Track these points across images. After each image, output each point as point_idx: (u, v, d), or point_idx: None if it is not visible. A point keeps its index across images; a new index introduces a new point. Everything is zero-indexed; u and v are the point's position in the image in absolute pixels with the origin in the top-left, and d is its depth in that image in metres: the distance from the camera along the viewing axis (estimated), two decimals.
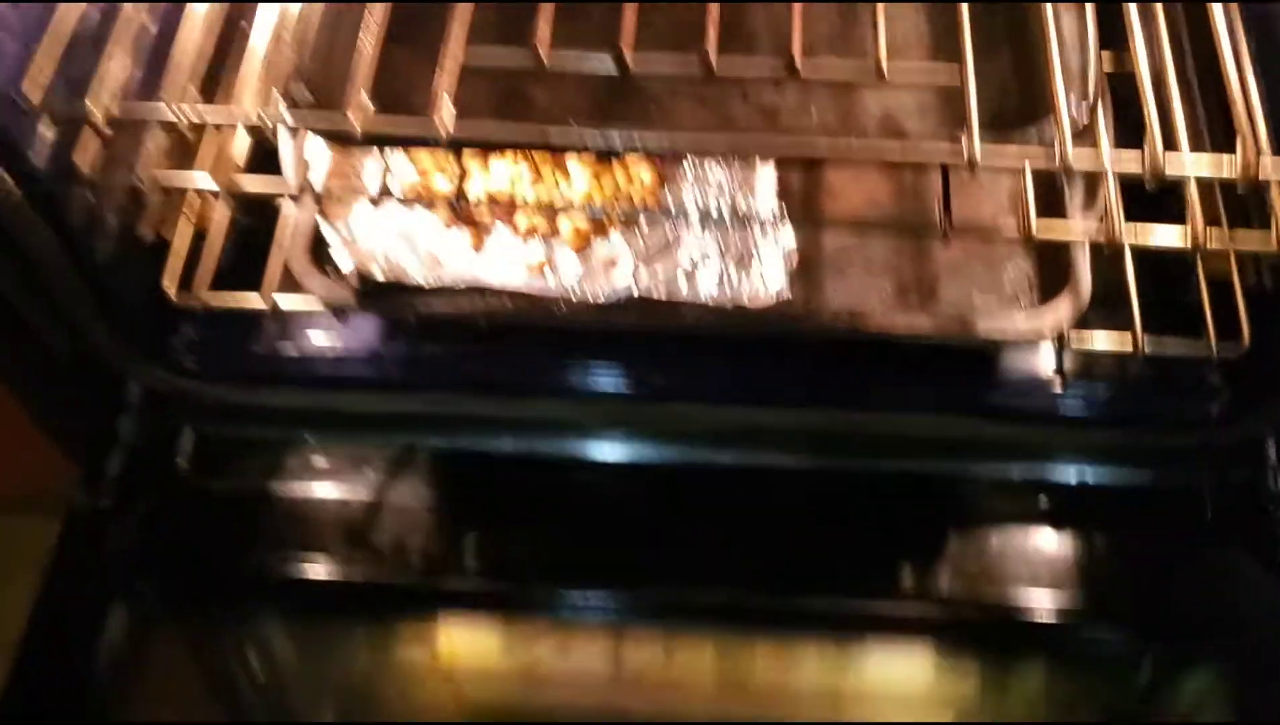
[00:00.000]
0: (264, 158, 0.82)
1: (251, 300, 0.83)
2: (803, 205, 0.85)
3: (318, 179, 0.81)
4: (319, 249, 0.83)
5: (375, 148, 0.81)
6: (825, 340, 0.81)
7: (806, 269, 0.83)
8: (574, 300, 0.80)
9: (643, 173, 0.87)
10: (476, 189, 0.85)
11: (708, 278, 0.82)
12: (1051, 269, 0.82)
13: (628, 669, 0.82)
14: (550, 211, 0.85)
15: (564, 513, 0.89)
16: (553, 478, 0.90)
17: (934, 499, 0.91)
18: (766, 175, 0.86)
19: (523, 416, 0.89)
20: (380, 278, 0.81)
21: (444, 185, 0.86)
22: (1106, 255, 0.77)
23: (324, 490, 0.90)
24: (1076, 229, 0.76)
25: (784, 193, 0.85)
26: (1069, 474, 0.90)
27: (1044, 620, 0.87)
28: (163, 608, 0.85)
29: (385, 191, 0.78)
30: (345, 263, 0.81)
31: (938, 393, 0.85)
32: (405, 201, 0.86)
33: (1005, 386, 0.86)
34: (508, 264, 0.83)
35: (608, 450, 0.90)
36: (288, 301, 0.83)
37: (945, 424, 0.86)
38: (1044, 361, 0.86)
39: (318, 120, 0.70)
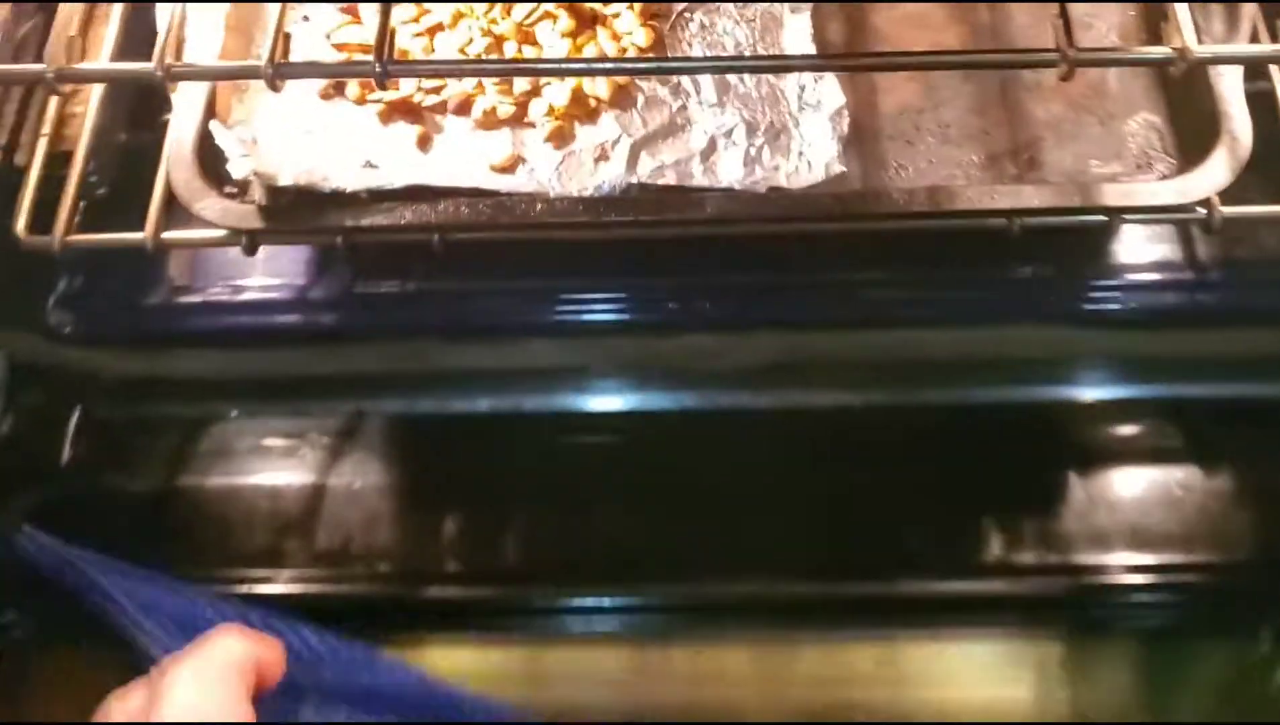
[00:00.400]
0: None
1: (128, 239, 0.63)
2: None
3: (203, 55, 0.61)
4: (214, 162, 0.63)
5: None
6: (892, 233, 0.61)
7: (862, 140, 0.62)
8: (554, 197, 0.60)
9: (635, 33, 0.66)
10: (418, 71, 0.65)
11: (731, 159, 0.61)
12: (1190, 123, 0.61)
13: (651, 689, 0.62)
14: (518, 92, 0.64)
15: (561, 488, 0.69)
16: (544, 442, 0.70)
17: (1030, 438, 0.71)
18: (798, 26, 0.65)
19: (501, 365, 0.69)
20: (289, 183, 0.60)
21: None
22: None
23: (253, 478, 0.70)
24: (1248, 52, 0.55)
25: (822, 46, 0.64)
26: (1211, 392, 0.69)
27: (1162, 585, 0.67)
28: (43, 640, 0.65)
29: (286, 69, 0.57)
30: (240, 169, 0.60)
31: (1041, 294, 0.64)
32: (325, 95, 0.66)
33: (1127, 282, 0.65)
34: (464, 163, 0.63)
35: (612, 400, 0.70)
36: (177, 235, 0.63)
37: (1052, 337, 0.66)
38: (1176, 245, 0.65)
39: None
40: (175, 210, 0.63)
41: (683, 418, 0.70)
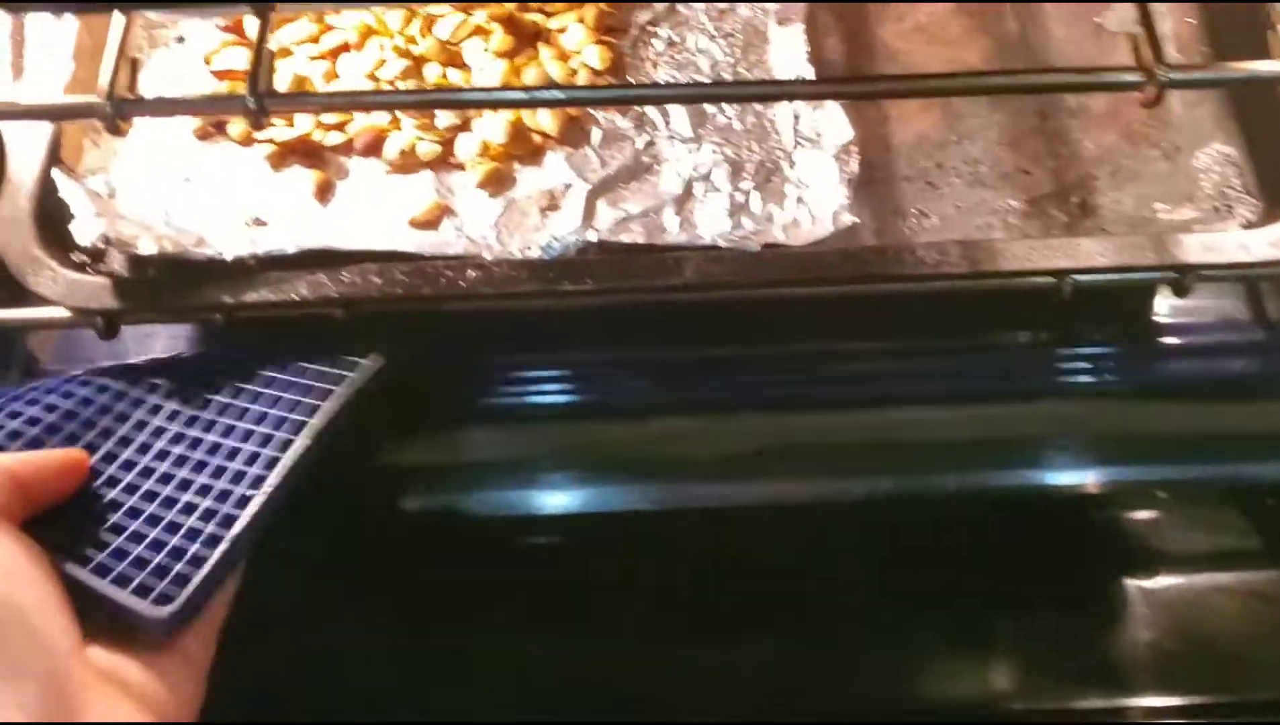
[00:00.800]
0: None
1: None
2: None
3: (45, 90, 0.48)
4: (61, 221, 0.49)
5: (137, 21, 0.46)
6: (912, 295, 0.48)
7: (871, 181, 0.50)
8: (491, 260, 0.47)
9: (587, 52, 0.54)
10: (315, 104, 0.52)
11: (712, 208, 0.49)
12: (1275, 155, 0.50)
13: None
14: (442, 127, 0.52)
15: (504, 606, 0.56)
16: (485, 548, 0.57)
17: (1070, 532, 0.59)
18: (787, 41, 0.53)
19: (429, 460, 0.55)
20: (152, 251, 0.47)
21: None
22: None
23: None
24: None
25: (820, 67, 0.52)
26: None
27: None
28: None
29: (131, 106, 0.43)
30: (90, 232, 0.47)
31: (1091, 363, 0.53)
32: (202, 134, 0.53)
33: (1192, 345, 0.53)
34: (375, 217, 0.50)
35: (564, 499, 0.57)
36: (12, 313, 0.49)
37: (1101, 412, 0.54)
38: (1241, 301, 0.54)
39: None
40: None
41: (652, 518, 0.57)
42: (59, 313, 0.48)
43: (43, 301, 0.48)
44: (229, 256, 0.47)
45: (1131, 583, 0.57)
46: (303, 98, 0.47)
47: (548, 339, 0.52)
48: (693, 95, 0.48)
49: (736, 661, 0.56)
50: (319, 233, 0.49)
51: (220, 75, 0.53)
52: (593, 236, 0.49)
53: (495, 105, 0.50)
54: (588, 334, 0.51)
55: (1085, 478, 0.59)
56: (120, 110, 0.39)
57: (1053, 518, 0.59)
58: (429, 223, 0.50)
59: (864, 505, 0.58)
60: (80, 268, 0.49)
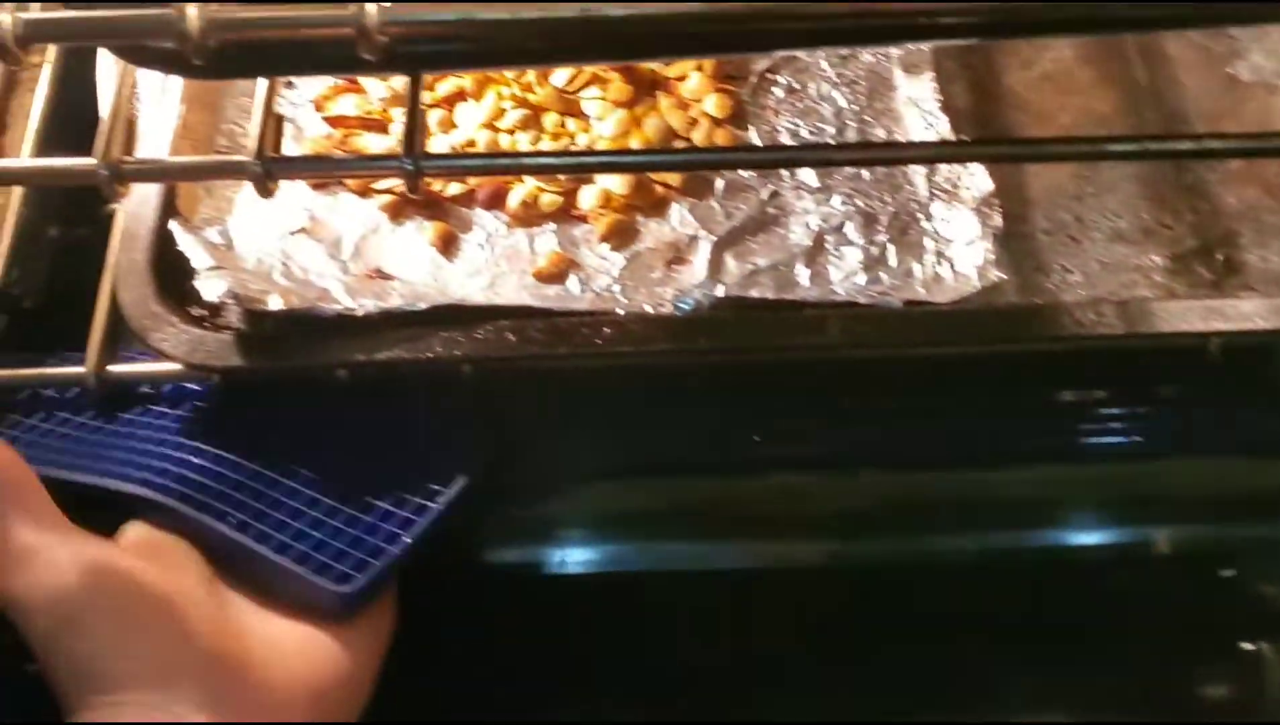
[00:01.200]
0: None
1: (63, 374, 0.48)
2: (983, 132, 0.51)
3: (157, 144, 0.47)
4: (177, 273, 0.48)
5: (254, 85, 0.45)
6: (1059, 355, 0.47)
7: (1010, 235, 0.49)
8: (619, 316, 0.46)
9: (707, 100, 0.53)
10: (437, 149, 0.51)
11: (846, 262, 0.48)
12: None
13: None
14: (562, 180, 0.51)
15: (595, 668, 0.55)
16: (589, 603, 0.56)
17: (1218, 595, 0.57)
18: (916, 91, 0.52)
19: (534, 511, 0.54)
20: (279, 307, 0.46)
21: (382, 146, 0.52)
22: None
23: None
24: None
25: (945, 110, 0.51)
26: None
27: None
28: None
29: (282, 166, 0.41)
30: (215, 289, 0.46)
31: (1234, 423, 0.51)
32: (317, 183, 0.52)
33: None
34: (499, 270, 0.49)
35: (670, 556, 0.56)
36: (128, 369, 0.48)
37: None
38: None
39: None
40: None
41: (759, 576, 0.56)
42: (174, 367, 0.47)
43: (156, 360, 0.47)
44: (360, 312, 0.46)
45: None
46: (461, 159, 0.46)
47: (667, 400, 0.51)
48: (827, 159, 0.46)
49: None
50: (445, 287, 0.48)
51: (335, 123, 0.52)
52: (721, 291, 0.48)
53: (659, 168, 0.48)
54: (714, 392, 0.50)
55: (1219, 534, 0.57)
56: (271, 171, 0.38)
57: (1189, 574, 0.57)
58: (554, 276, 0.49)
59: (1011, 558, 0.56)
60: (198, 321, 0.48)
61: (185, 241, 0.48)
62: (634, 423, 0.51)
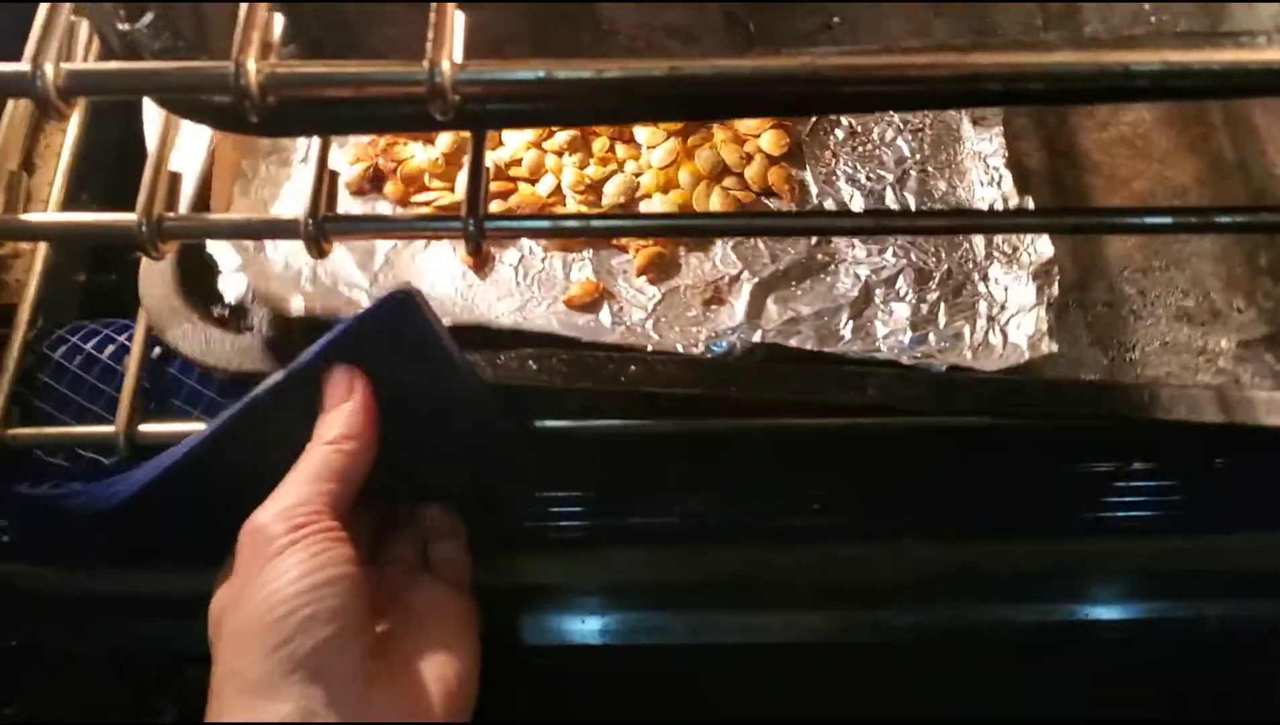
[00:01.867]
0: None
1: (92, 433, 0.46)
2: (1050, 194, 0.49)
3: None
4: (202, 273, 0.47)
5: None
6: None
7: (1069, 305, 0.46)
8: (650, 354, 0.44)
9: (764, 136, 0.51)
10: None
11: (894, 318, 0.46)
12: None
13: None
14: (605, 206, 0.49)
15: None
16: (622, 679, 0.54)
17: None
18: (983, 146, 0.49)
19: (553, 578, 0.51)
20: (300, 313, 0.44)
21: (422, 159, 0.50)
22: None
23: None
24: None
25: (1014, 167, 0.48)
26: None
27: None
28: None
29: (335, 225, 0.39)
30: (237, 288, 0.45)
31: None
32: (356, 189, 0.50)
33: None
34: (529, 295, 0.47)
35: (710, 629, 0.53)
36: (158, 428, 0.46)
37: None
38: None
39: None
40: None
41: (805, 651, 0.53)
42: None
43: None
44: None
45: None
46: (524, 220, 0.43)
47: (695, 451, 0.48)
48: (887, 227, 0.44)
49: None
50: (472, 306, 0.46)
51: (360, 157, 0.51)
52: (759, 336, 0.46)
53: (721, 234, 0.46)
54: (745, 445, 0.47)
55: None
56: (324, 231, 0.36)
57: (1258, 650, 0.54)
58: (586, 305, 0.47)
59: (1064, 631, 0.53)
60: (220, 321, 0.47)
61: (213, 242, 0.47)
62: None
